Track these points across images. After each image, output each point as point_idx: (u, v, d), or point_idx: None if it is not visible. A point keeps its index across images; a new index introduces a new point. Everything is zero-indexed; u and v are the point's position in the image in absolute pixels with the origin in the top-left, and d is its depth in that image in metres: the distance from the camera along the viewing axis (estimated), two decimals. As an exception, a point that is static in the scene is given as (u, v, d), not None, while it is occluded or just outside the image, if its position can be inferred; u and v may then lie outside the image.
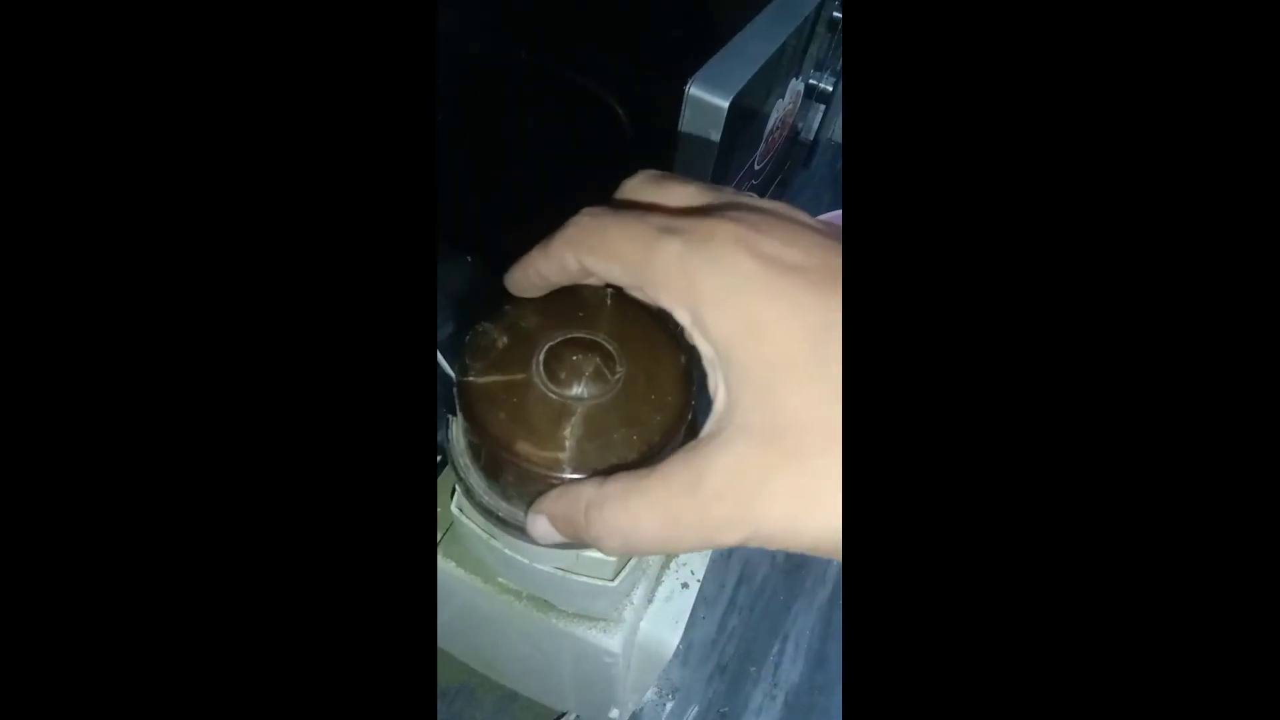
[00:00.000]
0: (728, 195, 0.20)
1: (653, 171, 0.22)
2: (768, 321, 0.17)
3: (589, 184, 0.45)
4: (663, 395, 0.21)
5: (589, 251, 0.20)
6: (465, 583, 0.29)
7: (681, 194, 0.20)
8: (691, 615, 0.46)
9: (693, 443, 0.18)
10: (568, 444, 0.20)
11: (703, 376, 0.21)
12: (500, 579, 0.29)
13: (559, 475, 0.20)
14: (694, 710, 0.42)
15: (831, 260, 0.17)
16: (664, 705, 0.42)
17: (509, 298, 0.23)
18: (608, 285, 0.23)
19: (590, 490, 0.19)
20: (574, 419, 0.21)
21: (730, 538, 0.17)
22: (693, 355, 0.21)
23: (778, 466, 0.16)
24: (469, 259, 0.51)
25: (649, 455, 0.20)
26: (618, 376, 0.22)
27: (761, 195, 0.66)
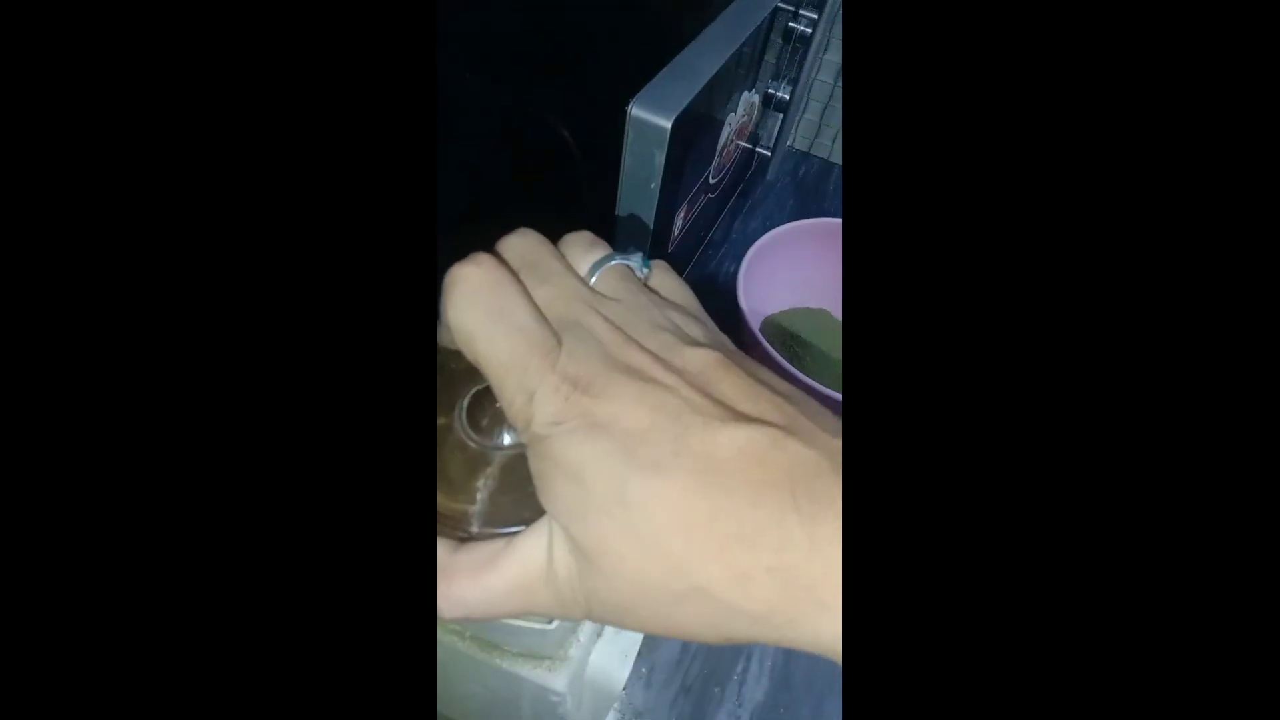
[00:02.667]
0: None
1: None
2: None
3: (542, 210, 0.44)
4: None
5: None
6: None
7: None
8: (655, 638, 0.45)
9: (542, 527, 0.19)
10: (479, 496, 0.20)
11: None
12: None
13: (466, 529, 0.19)
14: (657, 734, 0.41)
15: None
16: (627, 730, 0.41)
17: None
18: None
19: (444, 558, 0.19)
20: (490, 469, 0.20)
21: (576, 614, 0.18)
22: None
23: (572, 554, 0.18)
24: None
25: None
26: None
27: (721, 206, 0.65)
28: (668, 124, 0.34)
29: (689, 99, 0.35)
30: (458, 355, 0.22)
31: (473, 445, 0.21)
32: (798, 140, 0.79)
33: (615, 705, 0.42)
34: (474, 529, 0.19)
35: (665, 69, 0.37)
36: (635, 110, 0.34)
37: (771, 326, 0.59)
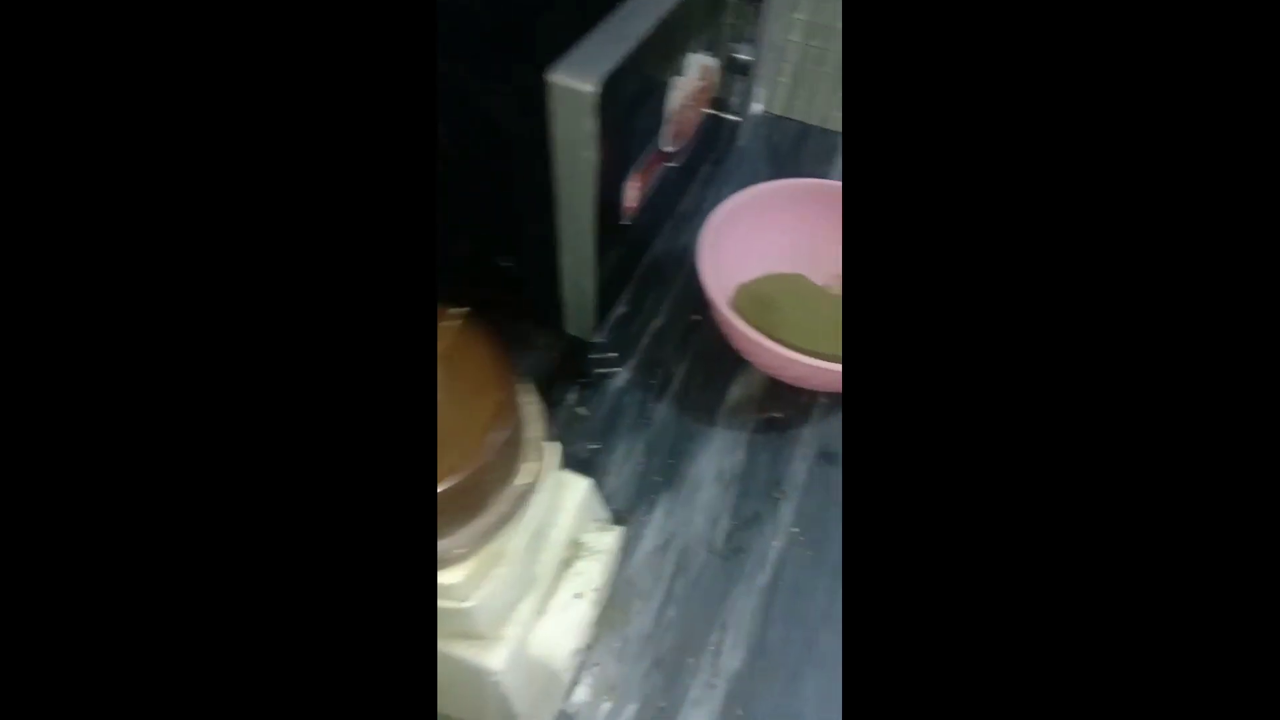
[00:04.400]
0: None
1: None
2: None
3: (480, 193, 0.43)
4: (464, 432, 0.20)
5: None
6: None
7: None
8: (627, 610, 0.45)
9: None
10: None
11: (519, 424, 0.20)
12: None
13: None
14: (632, 708, 0.41)
15: None
16: (599, 705, 0.41)
17: None
18: (467, 309, 0.23)
19: None
20: None
21: None
22: (516, 400, 0.20)
23: None
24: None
25: None
26: None
27: (689, 176, 0.64)
28: (591, 88, 0.33)
29: (614, 63, 0.34)
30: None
31: None
32: (774, 104, 0.77)
33: (588, 680, 0.42)
34: None
35: (589, 35, 0.36)
36: (555, 78, 0.33)
37: (746, 294, 0.58)
